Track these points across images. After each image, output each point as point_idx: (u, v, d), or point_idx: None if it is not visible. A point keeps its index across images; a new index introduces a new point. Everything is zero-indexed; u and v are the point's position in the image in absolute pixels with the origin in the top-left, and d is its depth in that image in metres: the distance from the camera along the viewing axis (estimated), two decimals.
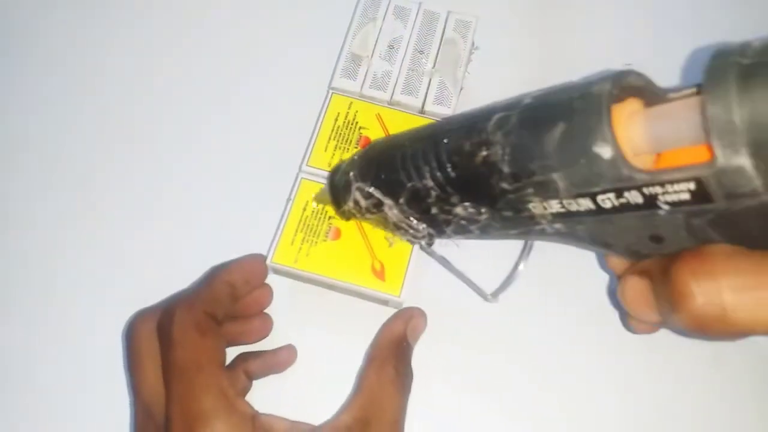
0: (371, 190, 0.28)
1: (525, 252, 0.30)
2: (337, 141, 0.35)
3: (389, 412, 0.28)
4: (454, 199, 0.25)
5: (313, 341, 0.33)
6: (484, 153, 0.23)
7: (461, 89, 0.37)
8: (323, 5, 0.42)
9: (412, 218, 0.28)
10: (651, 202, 0.19)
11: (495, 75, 0.40)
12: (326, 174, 0.34)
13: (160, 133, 0.39)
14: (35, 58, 0.41)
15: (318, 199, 0.33)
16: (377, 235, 0.33)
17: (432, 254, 0.32)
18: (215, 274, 0.30)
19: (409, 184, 0.26)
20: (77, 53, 0.41)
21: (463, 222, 0.26)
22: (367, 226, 0.33)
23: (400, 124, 0.35)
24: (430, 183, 0.25)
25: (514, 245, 0.32)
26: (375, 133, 0.35)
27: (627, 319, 0.25)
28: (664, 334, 0.34)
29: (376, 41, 0.38)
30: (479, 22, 0.38)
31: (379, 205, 0.28)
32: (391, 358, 0.29)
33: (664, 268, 0.20)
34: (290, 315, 0.34)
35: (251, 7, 0.42)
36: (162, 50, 0.41)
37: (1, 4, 0.42)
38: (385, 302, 0.33)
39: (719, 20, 0.42)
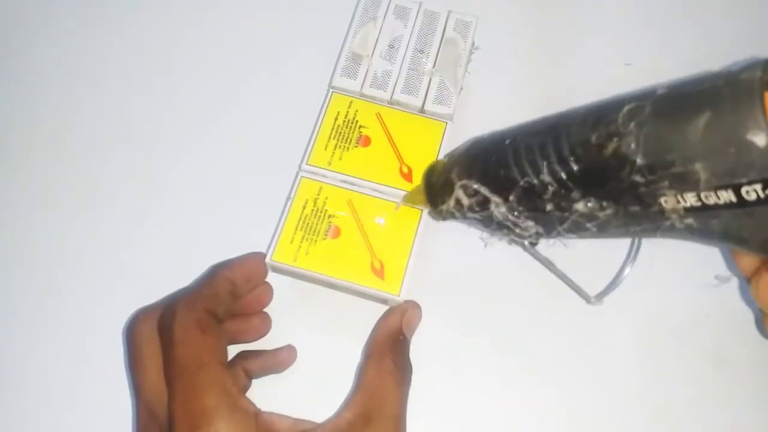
0: (477, 187, 0.27)
1: (632, 253, 0.29)
2: (337, 140, 0.35)
3: (390, 406, 0.28)
4: (575, 194, 0.24)
5: (312, 339, 0.33)
6: (615, 144, 0.22)
7: (461, 89, 0.37)
8: (324, 5, 0.42)
9: (520, 216, 0.27)
10: None
11: (495, 75, 0.40)
12: (326, 173, 0.34)
13: (160, 132, 0.39)
14: (35, 58, 0.41)
15: (409, 199, 0.33)
16: (377, 233, 0.33)
17: (535, 255, 0.31)
18: (216, 271, 0.30)
19: (522, 181, 0.25)
20: (77, 54, 0.41)
21: (580, 219, 0.25)
22: (367, 225, 0.33)
23: (400, 123, 0.35)
24: (547, 178, 0.24)
25: (616, 247, 0.31)
26: (375, 133, 0.35)
27: (765, 321, 0.24)
28: (663, 334, 0.34)
29: (377, 41, 0.38)
30: (479, 22, 0.39)
31: (484, 204, 0.27)
32: (389, 352, 0.29)
33: None
34: (290, 313, 0.34)
35: (251, 6, 0.42)
36: (162, 50, 0.41)
37: (1, 4, 0.42)
38: (384, 301, 0.33)
39: (720, 21, 0.42)
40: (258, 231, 0.34)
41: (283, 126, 0.38)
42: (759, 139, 0.19)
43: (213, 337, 0.27)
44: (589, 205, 0.24)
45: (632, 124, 0.22)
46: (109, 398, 0.32)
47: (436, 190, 0.30)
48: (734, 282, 0.35)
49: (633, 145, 0.22)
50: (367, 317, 0.32)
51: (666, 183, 0.21)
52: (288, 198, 0.34)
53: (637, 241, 0.29)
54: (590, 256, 0.32)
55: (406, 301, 0.32)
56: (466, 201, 0.28)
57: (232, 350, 0.32)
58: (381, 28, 0.38)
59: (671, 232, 0.23)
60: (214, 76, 0.40)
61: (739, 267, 0.25)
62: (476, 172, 0.28)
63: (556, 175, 0.24)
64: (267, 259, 0.32)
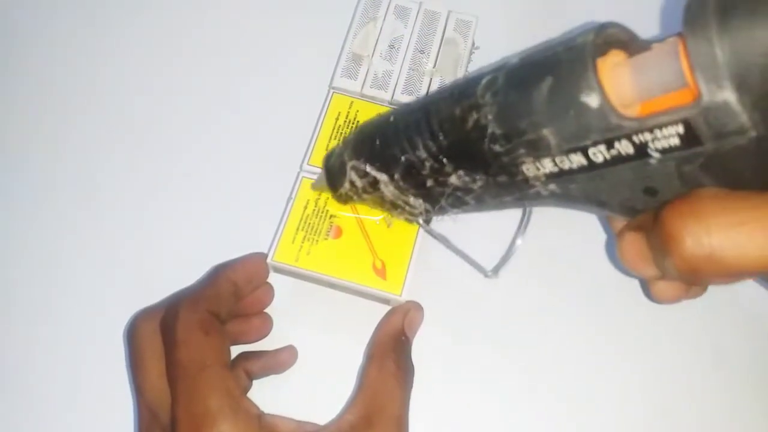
0: (366, 167, 0.28)
1: (523, 225, 0.30)
2: (338, 140, 0.35)
3: (392, 407, 0.28)
4: (448, 168, 0.25)
5: (313, 340, 0.33)
6: (474, 116, 0.23)
7: None
8: (324, 5, 0.42)
9: (408, 194, 0.28)
10: (642, 150, 0.19)
11: None
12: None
13: (160, 132, 0.39)
14: (35, 58, 0.41)
15: (316, 186, 0.33)
16: (379, 233, 0.33)
17: (430, 232, 0.32)
18: (218, 272, 0.30)
19: (403, 158, 0.26)
20: (77, 54, 0.41)
21: (458, 193, 0.26)
22: (368, 225, 0.33)
23: None
24: (423, 154, 0.25)
25: (512, 220, 0.32)
26: None
27: (648, 289, 0.24)
28: (663, 333, 0.34)
29: (377, 41, 0.38)
30: (480, 21, 0.39)
31: (374, 184, 0.28)
32: (391, 352, 0.29)
33: (655, 218, 0.20)
34: (291, 314, 0.34)
35: (252, 6, 0.42)
36: (162, 50, 0.41)
37: (1, 4, 0.42)
38: (386, 301, 0.33)
39: None
40: (259, 231, 0.34)
41: (284, 126, 0.38)
42: (591, 100, 0.19)
43: (216, 338, 0.27)
44: (463, 178, 0.25)
45: (488, 95, 0.22)
46: (111, 399, 0.32)
47: (333, 174, 0.30)
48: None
49: (489, 116, 0.22)
50: (368, 318, 0.32)
51: (522, 151, 0.22)
52: (289, 198, 0.34)
53: (527, 213, 0.30)
54: (486, 230, 0.33)
55: (408, 302, 0.32)
56: (359, 182, 0.29)
57: (233, 351, 0.32)
58: (381, 29, 0.38)
59: (539, 199, 0.24)
60: (215, 76, 0.40)
61: (612, 229, 0.25)
62: (365, 153, 0.28)
63: (430, 150, 0.25)
64: (268, 260, 0.32)
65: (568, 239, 0.36)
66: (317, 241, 0.32)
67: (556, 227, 0.34)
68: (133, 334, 0.29)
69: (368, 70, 0.37)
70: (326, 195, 0.33)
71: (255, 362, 0.31)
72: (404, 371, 0.29)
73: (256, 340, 0.33)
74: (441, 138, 0.24)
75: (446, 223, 0.31)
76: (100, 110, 0.39)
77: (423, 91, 0.37)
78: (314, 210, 0.33)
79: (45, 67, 0.41)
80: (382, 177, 0.28)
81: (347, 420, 0.27)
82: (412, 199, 0.28)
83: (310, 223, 0.33)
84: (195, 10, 0.42)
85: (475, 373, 0.33)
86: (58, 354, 0.34)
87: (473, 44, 0.38)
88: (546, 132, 0.21)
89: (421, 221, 0.30)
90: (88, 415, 0.32)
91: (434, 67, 0.37)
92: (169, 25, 0.42)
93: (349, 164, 0.29)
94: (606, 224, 0.35)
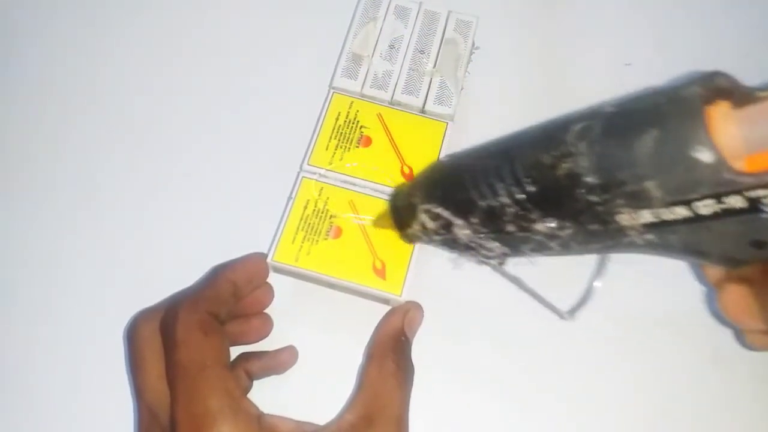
0: (439, 211, 0.27)
1: (600, 266, 0.29)
2: (338, 140, 0.35)
3: (392, 407, 0.28)
4: (534, 215, 0.24)
5: (313, 340, 0.33)
6: (567, 165, 0.22)
7: (462, 89, 0.37)
8: (324, 5, 0.42)
9: (485, 238, 0.27)
10: (754, 205, 0.19)
11: (495, 75, 0.40)
12: (327, 173, 0.34)
13: (160, 132, 0.39)
14: (35, 58, 0.41)
15: (378, 224, 0.33)
16: (378, 233, 0.33)
17: (504, 274, 0.31)
18: (218, 273, 0.30)
19: (482, 203, 0.25)
20: (77, 54, 0.41)
21: (543, 238, 0.25)
22: (368, 226, 0.33)
23: (401, 123, 0.35)
24: (506, 200, 0.24)
25: (585, 261, 0.31)
26: (376, 133, 0.35)
27: (743, 335, 0.24)
28: (663, 333, 0.34)
29: (377, 41, 0.38)
30: (480, 22, 0.39)
31: (448, 227, 0.27)
32: (390, 352, 0.29)
33: (766, 272, 0.20)
34: (291, 314, 0.34)
35: (252, 7, 0.42)
36: (162, 50, 0.41)
37: (1, 4, 0.42)
38: (386, 301, 0.33)
39: (719, 20, 0.42)
40: (259, 231, 0.34)
41: (284, 127, 0.38)
42: (704, 156, 0.19)
43: (216, 339, 0.27)
44: (549, 225, 0.24)
45: (583, 144, 0.22)
46: (111, 400, 0.32)
47: (402, 215, 0.30)
48: None
49: (585, 165, 0.21)
50: (368, 318, 0.32)
51: (621, 201, 0.21)
52: (289, 198, 0.34)
53: (604, 254, 0.29)
54: (560, 271, 0.31)
55: (408, 302, 0.32)
56: (430, 224, 0.28)
57: (233, 352, 0.32)
58: (381, 29, 0.38)
59: (633, 247, 0.23)
60: (215, 76, 0.40)
61: (707, 278, 0.25)
62: (437, 196, 0.28)
63: (514, 197, 0.24)
64: (268, 260, 0.32)
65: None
66: (317, 241, 0.32)
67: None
68: (132, 335, 0.29)
69: (368, 70, 0.37)
70: (326, 195, 0.33)
71: (255, 363, 0.31)
72: (404, 371, 0.29)
73: (256, 341, 0.33)
74: (527, 185, 0.24)
75: (520, 263, 0.29)
76: (100, 110, 0.39)
77: (423, 92, 0.37)
78: (314, 210, 0.33)
79: (45, 67, 0.41)
80: (457, 221, 0.27)
81: (347, 420, 0.27)
82: (488, 243, 0.27)
83: (310, 223, 0.33)
84: (195, 10, 0.42)
85: (474, 372, 0.33)
86: (58, 354, 0.34)
87: (473, 44, 0.38)
88: (649, 184, 0.20)
89: (494, 263, 0.29)
90: (88, 415, 0.32)
91: (434, 67, 0.37)
92: (169, 25, 0.42)
93: (421, 207, 0.28)
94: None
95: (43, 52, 0.41)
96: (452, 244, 0.28)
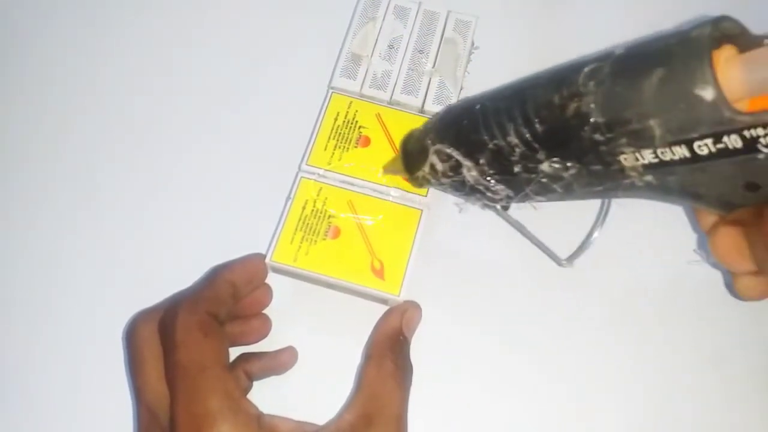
0: (450, 151, 0.28)
1: (601, 217, 0.30)
2: (337, 140, 0.35)
3: (391, 406, 0.28)
4: (540, 155, 0.25)
5: (312, 340, 0.33)
6: (576, 104, 0.22)
7: (461, 89, 0.37)
8: (323, 5, 0.42)
9: (491, 179, 0.27)
10: (751, 145, 0.19)
11: (495, 75, 0.40)
12: (326, 173, 0.34)
13: (160, 132, 0.39)
14: (35, 58, 0.41)
15: (388, 168, 0.33)
16: (377, 233, 0.33)
17: (507, 219, 0.32)
18: (217, 273, 0.30)
19: (491, 143, 0.26)
20: (77, 54, 0.41)
21: (547, 180, 0.25)
22: (367, 226, 0.33)
23: (400, 123, 0.35)
24: (514, 140, 0.25)
25: (589, 210, 0.31)
26: (375, 133, 0.35)
27: (733, 282, 0.24)
28: (663, 333, 0.34)
29: (376, 41, 0.38)
30: (479, 21, 0.39)
31: (457, 168, 0.28)
32: (389, 352, 0.29)
33: (758, 214, 0.20)
34: (290, 314, 0.34)
35: (251, 6, 0.42)
36: (162, 49, 0.41)
37: (1, 4, 0.42)
38: (384, 301, 0.33)
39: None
40: (258, 231, 0.34)
41: (283, 126, 0.38)
42: (707, 94, 0.19)
43: (215, 339, 0.27)
44: (554, 165, 0.25)
45: (591, 84, 0.22)
46: (111, 400, 0.32)
47: (413, 157, 0.31)
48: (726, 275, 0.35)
49: (592, 104, 0.22)
50: (367, 317, 0.32)
51: (624, 140, 0.22)
52: (288, 198, 0.34)
53: (605, 204, 0.30)
54: (561, 219, 0.32)
55: (406, 301, 0.32)
56: (440, 166, 0.29)
57: (232, 352, 0.32)
58: (380, 29, 0.38)
59: (632, 190, 0.24)
60: (214, 76, 0.40)
61: (700, 224, 0.25)
62: (449, 137, 0.28)
63: (522, 137, 0.25)
64: (267, 260, 0.32)
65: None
66: (316, 241, 0.32)
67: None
68: (132, 336, 0.29)
69: (367, 70, 0.37)
70: (324, 195, 0.33)
71: (255, 363, 0.31)
72: (403, 371, 0.29)
73: (256, 341, 0.33)
74: (536, 124, 0.24)
75: (523, 209, 0.30)
76: (100, 110, 0.39)
77: (422, 91, 0.37)
78: (313, 210, 0.33)
79: (45, 67, 0.41)
80: (467, 162, 0.27)
81: (346, 420, 0.27)
82: (494, 185, 0.28)
83: (308, 224, 0.33)
84: (195, 10, 0.42)
85: (473, 372, 0.33)
86: (58, 354, 0.34)
87: (473, 44, 0.38)
88: (652, 123, 0.21)
89: (498, 207, 0.30)
90: (88, 415, 0.33)
91: (433, 67, 0.37)
92: (168, 25, 0.42)
93: (433, 148, 0.29)
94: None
95: (43, 52, 0.41)
96: (460, 186, 0.29)
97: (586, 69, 0.23)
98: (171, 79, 0.40)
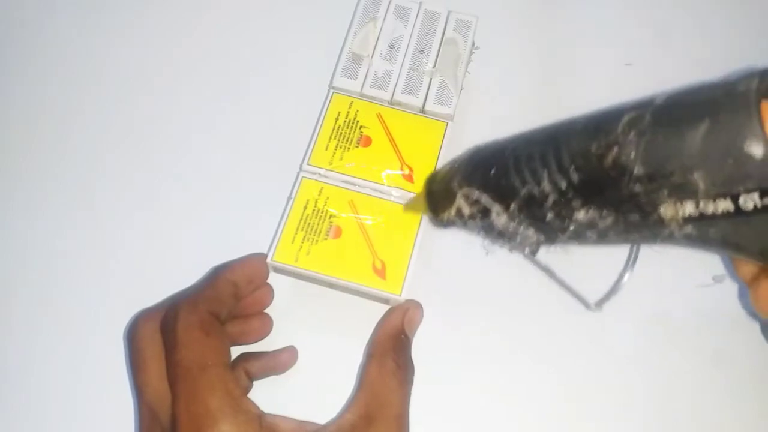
0: (478, 195, 0.27)
1: (631, 260, 0.29)
2: (338, 140, 0.35)
3: (392, 405, 0.28)
4: (576, 203, 0.24)
5: (313, 340, 0.33)
6: (614, 154, 0.22)
7: (462, 89, 0.37)
8: (324, 5, 0.42)
9: (521, 225, 0.27)
10: None
11: (495, 75, 0.40)
12: (327, 173, 0.34)
13: (160, 132, 0.39)
14: (36, 58, 0.41)
15: (410, 207, 0.33)
16: (378, 233, 0.33)
17: (535, 263, 0.31)
18: (218, 273, 0.30)
19: (523, 189, 0.25)
20: (78, 54, 0.41)
21: (581, 228, 0.25)
22: (368, 225, 0.33)
23: (401, 123, 0.35)
24: (548, 187, 0.24)
25: (614, 253, 0.30)
26: (376, 133, 0.35)
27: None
28: (663, 334, 0.34)
29: (377, 41, 0.38)
30: (480, 21, 0.39)
31: (485, 212, 0.27)
32: (390, 351, 0.29)
33: None
34: (291, 314, 0.34)
35: (252, 6, 0.42)
36: (162, 50, 0.41)
37: (1, 4, 0.42)
38: (386, 301, 0.33)
39: (720, 20, 0.42)
40: (259, 231, 0.34)
41: (284, 126, 0.38)
42: (756, 150, 0.19)
43: (216, 339, 0.27)
44: (590, 213, 0.24)
45: (632, 134, 0.22)
46: (111, 400, 0.32)
47: (438, 198, 0.30)
48: (733, 283, 0.35)
49: (632, 155, 0.22)
50: (368, 317, 0.32)
51: (665, 192, 0.21)
52: (289, 198, 0.34)
53: (635, 247, 0.29)
54: (589, 262, 0.31)
55: (408, 301, 0.32)
56: (467, 210, 0.28)
57: (233, 352, 0.32)
58: (381, 29, 0.38)
59: (670, 240, 0.23)
60: (215, 76, 0.40)
61: (738, 274, 0.25)
62: (477, 181, 0.28)
63: (557, 185, 0.24)
64: (268, 260, 0.32)
65: None
66: (317, 241, 0.32)
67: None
68: (133, 335, 0.29)
69: (368, 70, 0.37)
70: (325, 195, 0.33)
71: (255, 363, 0.31)
72: (404, 370, 0.29)
73: (256, 341, 0.33)
74: (572, 173, 0.24)
75: (549, 253, 0.29)
76: (100, 110, 0.39)
77: (423, 91, 0.37)
78: (314, 210, 0.33)
79: (45, 67, 0.41)
80: (495, 207, 0.27)
81: (348, 419, 0.27)
82: (524, 230, 0.27)
83: (309, 223, 0.33)
84: (195, 10, 0.42)
85: (475, 371, 0.33)
86: (59, 354, 0.34)
87: (473, 44, 0.38)
88: (696, 176, 0.20)
89: (526, 251, 0.29)
90: (89, 415, 0.32)
91: (434, 67, 0.37)
92: (169, 25, 0.42)
93: (459, 192, 0.28)
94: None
95: (43, 52, 0.41)
96: (487, 229, 0.28)
97: (625, 117, 0.22)
98: (171, 79, 0.40)
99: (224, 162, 0.38)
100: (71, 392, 0.33)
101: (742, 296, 0.35)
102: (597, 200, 0.24)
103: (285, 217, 0.33)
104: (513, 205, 0.26)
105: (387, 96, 0.37)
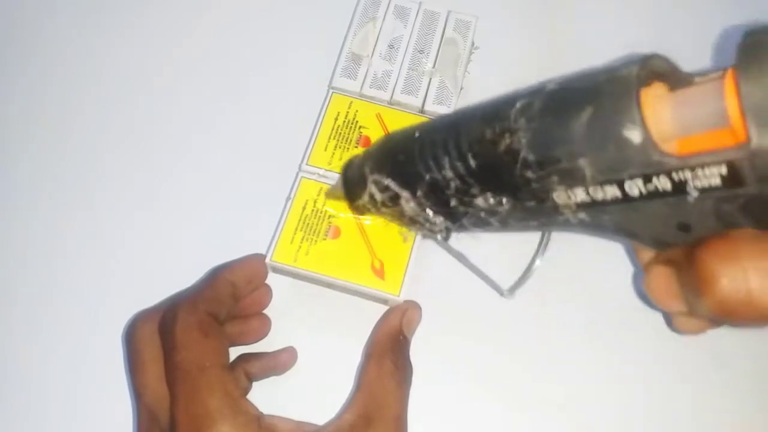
0: (387, 182, 0.28)
1: (542, 246, 0.30)
2: (337, 140, 0.35)
3: (391, 406, 0.28)
4: (475, 189, 0.24)
5: (312, 340, 0.33)
6: (507, 141, 0.22)
7: (461, 89, 0.37)
8: (324, 4, 0.42)
9: (429, 211, 0.27)
10: (680, 188, 0.19)
11: (495, 75, 0.40)
12: (324, 172, 0.34)
13: (160, 132, 0.39)
14: (35, 57, 0.41)
15: (330, 194, 0.33)
16: (377, 233, 0.33)
17: (448, 249, 0.31)
18: (217, 273, 0.30)
19: (427, 176, 0.26)
20: (77, 53, 0.41)
21: (482, 214, 0.25)
22: (367, 226, 0.33)
23: (401, 123, 0.35)
24: (449, 174, 0.25)
25: (531, 240, 0.31)
26: (375, 133, 0.35)
27: (671, 319, 0.24)
28: (663, 335, 0.34)
29: (377, 41, 0.38)
30: (479, 21, 0.39)
31: (395, 198, 0.28)
32: (389, 352, 0.29)
33: (688, 255, 0.20)
34: (289, 314, 0.34)
35: (251, 6, 0.42)
36: (162, 49, 0.41)
37: (1, 4, 0.42)
38: (384, 301, 0.33)
39: (720, 20, 0.42)
40: (258, 232, 0.34)
41: (283, 126, 0.38)
42: (634, 135, 0.19)
43: (215, 340, 0.27)
44: (489, 200, 0.24)
45: (522, 120, 0.22)
46: (110, 401, 0.32)
47: (352, 185, 0.30)
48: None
49: (523, 141, 0.22)
50: (367, 317, 0.32)
51: (555, 179, 0.22)
52: (288, 198, 0.34)
53: (546, 234, 0.30)
54: (505, 250, 0.32)
55: (406, 301, 0.32)
56: (378, 196, 0.28)
57: (232, 352, 0.32)
58: (381, 29, 0.38)
59: (567, 226, 0.23)
60: (214, 76, 0.40)
61: (638, 258, 0.25)
62: (387, 168, 0.28)
63: (457, 171, 0.25)
64: (267, 260, 0.32)
65: (581, 256, 0.36)
66: (316, 241, 0.32)
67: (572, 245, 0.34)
68: (131, 336, 0.29)
69: (368, 70, 0.37)
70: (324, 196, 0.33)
71: (254, 363, 0.31)
72: (403, 371, 0.29)
73: (256, 341, 0.33)
74: (469, 159, 0.24)
75: (464, 239, 0.30)
76: (99, 110, 0.39)
77: (422, 91, 0.37)
78: (313, 210, 0.33)
79: (45, 67, 0.41)
80: (404, 193, 0.27)
81: (346, 420, 0.27)
82: (432, 216, 0.27)
83: (308, 224, 0.33)
84: (195, 10, 0.42)
85: (473, 372, 0.33)
86: (58, 355, 0.34)
87: (473, 44, 0.38)
88: (582, 162, 0.20)
89: (439, 238, 0.30)
90: (88, 416, 0.32)
91: (434, 67, 0.37)
92: (168, 25, 0.42)
93: (370, 178, 0.28)
94: (631, 250, 0.35)
95: (43, 52, 0.41)
96: (399, 216, 0.29)
97: (518, 104, 0.22)
98: (171, 78, 0.40)
99: (224, 162, 0.38)
100: (71, 392, 0.33)
101: (637, 281, 0.35)
102: (494, 187, 0.24)
103: (284, 217, 0.33)
104: (419, 192, 0.27)
105: (386, 96, 0.37)
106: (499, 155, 0.23)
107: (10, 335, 0.34)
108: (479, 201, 0.25)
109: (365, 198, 0.29)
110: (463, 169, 0.24)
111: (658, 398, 0.33)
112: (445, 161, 0.25)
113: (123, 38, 0.41)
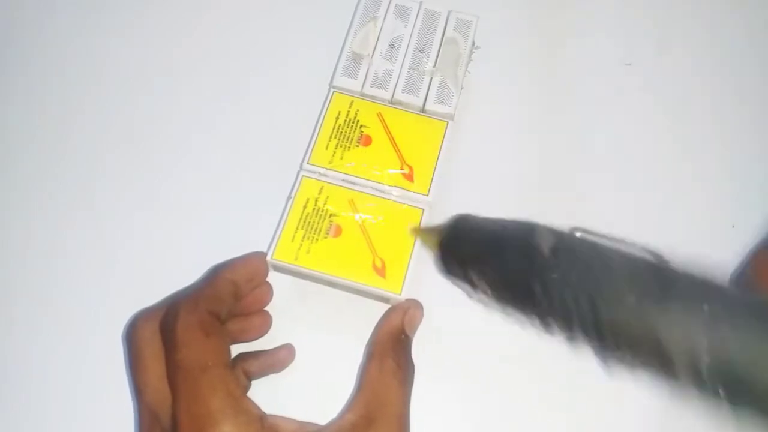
0: (476, 279, 0.28)
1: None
2: (338, 139, 0.35)
3: (393, 405, 0.28)
4: (578, 336, 0.25)
5: (313, 338, 0.33)
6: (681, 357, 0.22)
7: (462, 88, 0.37)
8: (324, 4, 0.42)
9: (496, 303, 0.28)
10: None
11: (496, 74, 0.40)
12: (324, 171, 0.34)
13: (160, 131, 0.39)
14: (35, 57, 0.41)
15: (423, 238, 0.32)
16: (378, 232, 0.33)
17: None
18: (218, 272, 0.30)
19: (540, 316, 0.26)
20: (77, 53, 0.41)
21: (544, 324, 0.26)
22: (368, 224, 0.33)
23: (401, 122, 0.35)
24: (574, 333, 0.25)
25: None
26: (376, 132, 0.35)
27: None
28: None
29: (377, 40, 0.38)
30: (480, 21, 0.39)
31: (474, 287, 0.28)
32: (390, 351, 0.29)
33: None
34: (290, 312, 0.34)
35: (252, 6, 0.42)
36: (162, 49, 0.41)
37: (1, 4, 0.42)
38: (386, 300, 0.33)
39: (720, 20, 0.42)
40: (259, 230, 0.34)
41: (284, 125, 0.38)
42: None
43: (216, 339, 0.27)
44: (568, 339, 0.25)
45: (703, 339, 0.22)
46: (111, 401, 0.32)
47: (451, 261, 0.30)
48: None
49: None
50: (368, 316, 0.32)
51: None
52: (289, 197, 0.34)
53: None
54: None
55: (408, 300, 0.32)
56: (463, 281, 0.29)
57: (231, 351, 0.31)
58: (381, 28, 0.38)
59: None
60: (215, 76, 0.40)
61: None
62: (496, 281, 0.28)
63: (586, 334, 0.24)
64: (268, 258, 0.32)
65: None
66: (317, 239, 0.32)
67: None
68: (132, 336, 0.28)
69: (368, 69, 0.37)
70: (325, 194, 0.33)
71: (254, 362, 0.31)
72: (404, 370, 0.29)
73: (257, 338, 0.32)
74: (607, 336, 0.24)
75: None
76: (99, 110, 0.39)
77: (423, 91, 0.37)
78: (314, 209, 0.33)
79: (45, 67, 0.41)
80: (488, 295, 0.28)
81: (348, 419, 0.27)
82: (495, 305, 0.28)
83: (309, 222, 0.33)
84: (195, 10, 0.42)
85: (476, 371, 0.33)
86: (58, 354, 0.33)
87: (473, 44, 0.38)
88: None
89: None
90: (89, 416, 0.32)
91: (434, 66, 0.37)
92: (169, 25, 0.42)
93: (473, 275, 0.28)
94: None
95: (43, 52, 0.41)
96: (466, 288, 0.30)
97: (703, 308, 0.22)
98: (172, 78, 0.40)
99: (224, 161, 0.38)
100: (70, 393, 0.33)
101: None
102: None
103: (285, 215, 0.33)
104: (521, 313, 0.27)
105: (387, 95, 0.37)
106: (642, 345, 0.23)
107: (10, 335, 0.34)
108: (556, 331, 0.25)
109: (458, 278, 0.30)
110: (596, 339, 0.24)
111: (658, 400, 0.33)
112: (576, 324, 0.24)
113: (123, 38, 0.41)
